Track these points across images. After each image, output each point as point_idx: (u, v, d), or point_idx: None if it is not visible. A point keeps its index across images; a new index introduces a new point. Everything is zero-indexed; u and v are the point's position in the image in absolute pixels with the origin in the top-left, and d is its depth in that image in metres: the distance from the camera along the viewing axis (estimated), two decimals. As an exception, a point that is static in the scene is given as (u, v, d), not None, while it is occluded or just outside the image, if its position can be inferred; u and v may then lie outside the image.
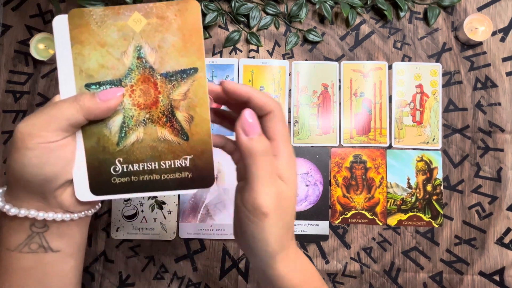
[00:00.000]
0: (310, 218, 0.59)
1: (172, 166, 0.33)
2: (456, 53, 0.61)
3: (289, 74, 0.61)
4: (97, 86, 0.32)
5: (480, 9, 0.62)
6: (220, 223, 0.59)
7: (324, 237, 0.59)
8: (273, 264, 0.33)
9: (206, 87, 0.33)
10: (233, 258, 0.59)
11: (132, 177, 0.33)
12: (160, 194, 0.34)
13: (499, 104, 0.60)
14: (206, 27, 0.62)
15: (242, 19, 0.62)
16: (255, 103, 0.32)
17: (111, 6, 0.32)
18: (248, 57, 0.62)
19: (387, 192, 0.59)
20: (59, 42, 0.32)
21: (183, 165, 0.33)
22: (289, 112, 0.61)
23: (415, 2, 0.62)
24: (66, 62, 0.32)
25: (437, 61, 0.61)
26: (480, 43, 0.61)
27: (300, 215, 0.59)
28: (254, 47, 0.62)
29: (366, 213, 0.59)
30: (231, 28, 0.62)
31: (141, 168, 0.33)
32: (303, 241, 0.59)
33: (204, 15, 0.59)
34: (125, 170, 0.33)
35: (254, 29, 0.62)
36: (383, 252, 0.59)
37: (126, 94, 0.32)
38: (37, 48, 0.60)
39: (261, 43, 0.62)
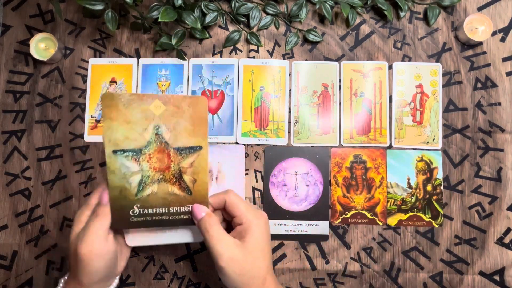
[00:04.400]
0: (310, 218, 0.59)
1: (178, 211, 0.44)
2: (456, 53, 0.61)
3: (289, 74, 0.61)
4: (122, 152, 0.42)
5: (480, 9, 0.62)
6: (220, 223, 0.59)
7: (324, 237, 0.59)
8: None
9: (207, 159, 0.44)
10: (233, 258, 0.59)
11: (147, 217, 0.43)
12: (170, 243, 0.46)
13: (499, 104, 0.60)
14: (206, 27, 0.62)
15: (242, 19, 0.62)
16: (214, 203, 0.47)
17: (136, 93, 0.43)
18: (248, 57, 0.62)
19: (387, 192, 0.59)
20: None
21: (187, 210, 0.44)
22: (289, 112, 0.61)
23: (415, 2, 0.62)
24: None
25: (437, 61, 0.61)
26: (480, 43, 0.61)
27: (300, 215, 0.59)
28: (254, 47, 0.62)
29: (366, 213, 0.59)
30: (231, 28, 0.62)
31: (154, 211, 0.43)
32: (303, 241, 0.59)
33: (204, 15, 0.59)
34: (141, 212, 0.43)
35: (254, 29, 0.62)
36: (383, 252, 0.59)
37: (145, 160, 0.42)
38: (37, 48, 0.60)
39: (261, 43, 0.62)
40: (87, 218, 0.43)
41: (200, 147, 0.43)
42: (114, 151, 0.41)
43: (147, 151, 0.42)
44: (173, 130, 0.43)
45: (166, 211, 0.43)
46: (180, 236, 0.47)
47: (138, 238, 0.46)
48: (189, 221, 0.45)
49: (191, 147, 0.43)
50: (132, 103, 0.41)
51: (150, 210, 0.43)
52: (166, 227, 0.45)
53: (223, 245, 0.42)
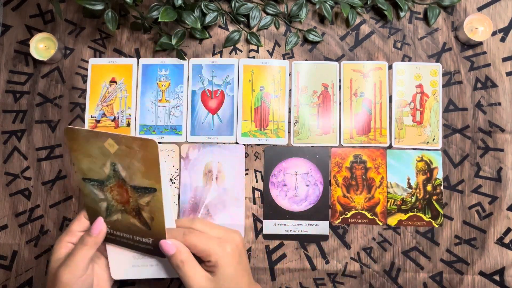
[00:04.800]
0: (310, 218, 0.59)
1: (140, 240, 0.46)
2: (456, 53, 0.61)
3: (289, 74, 0.61)
4: (89, 181, 0.44)
5: (480, 9, 0.62)
6: (220, 223, 0.59)
7: (324, 237, 0.59)
8: None
9: (162, 202, 0.43)
10: (233, 258, 0.59)
11: (116, 237, 0.47)
12: (153, 277, 0.49)
13: (499, 104, 0.60)
14: (206, 27, 0.62)
15: (242, 19, 0.62)
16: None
17: (93, 130, 0.41)
18: (248, 57, 0.62)
19: (387, 192, 0.59)
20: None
21: (148, 241, 0.46)
22: (289, 112, 0.61)
23: (415, 2, 0.62)
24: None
25: (437, 61, 0.61)
26: (480, 43, 0.61)
27: (300, 215, 0.59)
28: (254, 47, 0.62)
29: (366, 213, 0.59)
30: (231, 28, 0.62)
31: (121, 235, 0.46)
32: (303, 241, 0.59)
33: (204, 15, 0.60)
34: (111, 232, 0.46)
35: (254, 29, 0.62)
36: (383, 252, 0.59)
37: (108, 191, 0.44)
38: (37, 48, 0.60)
39: (261, 43, 0.62)
40: (68, 244, 0.45)
41: (155, 189, 0.42)
42: (83, 179, 0.45)
43: (108, 184, 0.44)
44: (128, 169, 0.42)
45: (131, 237, 0.46)
46: (163, 272, 0.48)
47: (122, 272, 0.48)
48: (151, 251, 0.47)
49: (146, 188, 0.42)
50: (90, 138, 0.42)
51: (118, 233, 0.46)
52: (132, 249, 0.47)
53: (196, 282, 0.43)
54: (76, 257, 0.43)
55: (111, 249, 0.48)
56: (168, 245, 0.44)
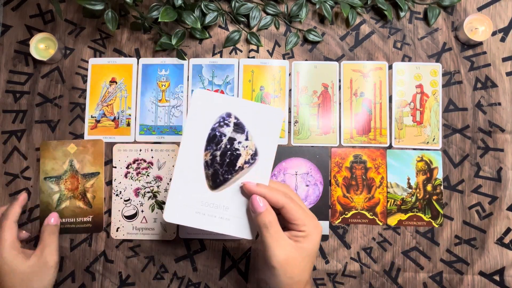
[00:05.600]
0: (310, 218, 0.59)
1: (82, 220, 0.59)
2: (456, 53, 0.61)
3: (289, 74, 0.61)
4: (49, 178, 0.60)
5: (480, 9, 0.62)
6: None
7: (324, 237, 0.59)
8: None
9: (103, 182, 0.60)
10: (233, 258, 0.59)
11: (65, 224, 0.60)
12: (213, 231, 0.46)
13: (499, 104, 0.60)
14: (206, 27, 0.62)
15: (242, 19, 0.62)
16: (269, 201, 0.43)
17: (61, 141, 0.61)
18: (248, 57, 0.62)
19: (387, 192, 0.59)
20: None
21: (88, 220, 0.60)
22: (289, 112, 0.61)
23: (415, 2, 0.62)
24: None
25: (437, 61, 0.61)
26: (480, 43, 0.61)
27: (300, 215, 0.59)
28: (254, 47, 0.62)
29: (366, 213, 0.59)
30: (231, 28, 0.62)
31: (67, 221, 0.59)
32: (303, 241, 0.59)
33: (204, 15, 0.60)
34: (61, 220, 0.59)
35: (254, 29, 0.62)
36: (383, 252, 0.59)
37: (63, 183, 0.60)
38: (37, 48, 0.60)
39: (261, 43, 0.62)
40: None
41: (98, 173, 0.60)
42: (45, 178, 0.60)
43: (64, 177, 0.60)
44: (81, 162, 0.60)
45: (74, 220, 0.59)
46: (231, 229, 0.45)
47: (178, 215, 0.45)
48: (89, 229, 0.59)
49: (92, 173, 0.60)
50: (57, 146, 0.60)
51: (64, 220, 0.59)
52: (72, 233, 0.59)
53: (280, 246, 0.41)
54: (53, 243, 0.54)
55: (175, 186, 0.45)
56: (258, 202, 0.42)
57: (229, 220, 0.45)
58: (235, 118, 0.45)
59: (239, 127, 0.45)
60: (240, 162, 0.45)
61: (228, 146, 0.45)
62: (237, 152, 0.45)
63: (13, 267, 0.50)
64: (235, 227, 0.45)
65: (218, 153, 0.45)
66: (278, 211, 0.43)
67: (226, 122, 0.45)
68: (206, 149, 0.45)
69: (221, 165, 0.45)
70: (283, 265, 0.41)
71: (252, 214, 0.44)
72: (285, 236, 0.42)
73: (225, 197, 0.45)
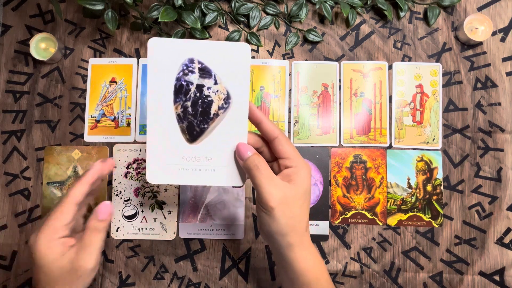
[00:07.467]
0: (310, 218, 0.59)
1: None
2: (456, 53, 0.61)
3: (289, 74, 0.61)
4: (52, 183, 0.60)
5: (480, 9, 0.62)
6: (220, 223, 0.59)
7: (324, 237, 0.59)
8: (289, 248, 0.40)
9: (106, 190, 0.60)
10: (233, 258, 0.59)
11: None
12: (196, 184, 0.45)
13: (499, 104, 0.60)
14: (206, 27, 0.62)
15: (242, 19, 0.62)
16: (263, 127, 0.42)
17: (65, 146, 0.60)
18: (248, 57, 0.62)
19: (387, 192, 0.59)
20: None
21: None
22: (289, 112, 0.61)
23: (415, 2, 0.62)
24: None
25: (437, 61, 0.61)
26: (480, 43, 0.61)
27: (300, 215, 0.59)
28: (254, 47, 0.62)
29: (366, 213, 0.59)
30: (231, 28, 0.62)
31: None
32: (303, 241, 0.59)
33: (204, 15, 0.60)
34: None
35: (254, 29, 0.62)
36: (383, 252, 0.59)
37: (65, 189, 0.60)
38: (37, 48, 0.60)
39: (261, 43, 0.62)
40: (59, 241, 0.42)
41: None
42: (48, 183, 0.60)
43: (67, 183, 0.60)
44: (85, 168, 0.60)
45: None
46: (219, 179, 0.44)
47: (161, 176, 0.43)
48: None
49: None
50: (62, 152, 0.60)
51: None
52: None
53: (274, 185, 0.39)
54: (94, 244, 0.41)
55: (152, 147, 0.43)
56: (245, 146, 0.41)
57: (214, 171, 0.43)
58: (199, 62, 0.42)
59: (205, 72, 0.42)
60: (213, 109, 0.43)
61: (198, 94, 0.42)
62: (209, 98, 0.42)
63: (42, 262, 0.40)
64: (222, 176, 0.44)
65: (189, 103, 0.42)
66: (268, 145, 0.43)
67: (190, 68, 0.42)
68: (175, 102, 0.42)
69: (195, 116, 0.43)
70: (282, 204, 0.39)
71: (239, 162, 0.42)
72: (277, 177, 0.41)
73: (206, 148, 0.43)
